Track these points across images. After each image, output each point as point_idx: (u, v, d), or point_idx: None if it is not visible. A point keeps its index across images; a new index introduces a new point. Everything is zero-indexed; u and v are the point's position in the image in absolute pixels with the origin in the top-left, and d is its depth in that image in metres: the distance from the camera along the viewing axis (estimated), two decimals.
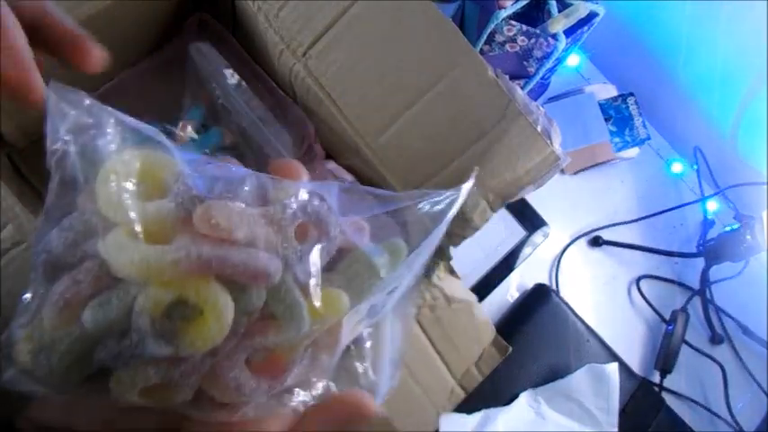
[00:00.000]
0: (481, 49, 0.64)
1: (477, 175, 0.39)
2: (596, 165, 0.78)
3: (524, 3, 0.61)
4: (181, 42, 0.59)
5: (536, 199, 0.73)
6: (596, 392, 0.65)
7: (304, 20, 0.49)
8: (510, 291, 0.72)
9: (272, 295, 0.19)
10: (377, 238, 0.28)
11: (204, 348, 0.18)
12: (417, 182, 0.49)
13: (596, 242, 0.76)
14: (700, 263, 0.77)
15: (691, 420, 0.70)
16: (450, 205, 0.24)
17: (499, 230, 0.72)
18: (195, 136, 0.57)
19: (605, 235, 0.76)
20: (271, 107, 0.60)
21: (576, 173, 0.78)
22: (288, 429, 0.21)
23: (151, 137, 0.19)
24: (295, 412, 0.21)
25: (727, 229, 0.75)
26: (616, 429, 0.63)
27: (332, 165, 0.62)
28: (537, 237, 0.72)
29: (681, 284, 0.77)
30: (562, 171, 0.78)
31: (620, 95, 0.80)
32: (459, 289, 0.52)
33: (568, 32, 0.63)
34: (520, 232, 0.72)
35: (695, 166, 0.82)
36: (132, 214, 0.18)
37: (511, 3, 0.60)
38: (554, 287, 0.73)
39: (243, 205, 0.19)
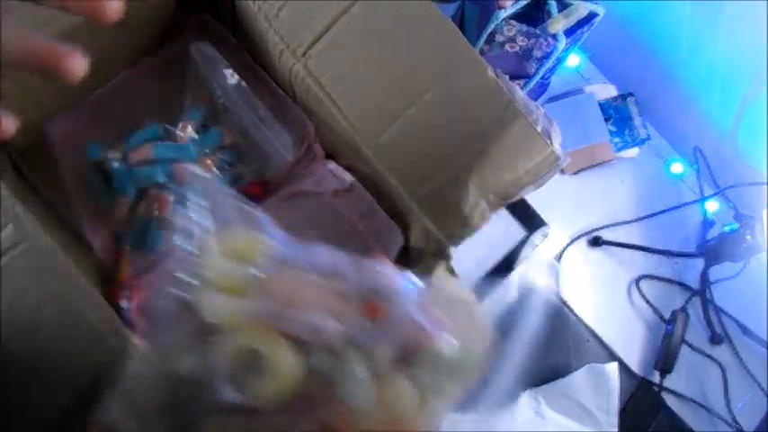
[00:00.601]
0: (481, 49, 0.64)
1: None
2: (596, 165, 0.78)
3: (524, 3, 0.61)
4: (181, 42, 0.59)
5: (536, 199, 0.73)
6: (596, 392, 0.65)
7: (304, 20, 0.49)
8: (510, 291, 0.72)
9: (336, 367, 0.22)
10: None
11: (269, 398, 0.21)
12: (417, 181, 0.49)
13: (596, 242, 0.76)
14: (700, 263, 0.77)
15: (691, 420, 0.70)
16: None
17: (499, 230, 0.72)
18: (195, 136, 0.57)
19: (605, 235, 0.76)
20: (271, 107, 0.60)
21: (575, 173, 0.78)
22: None
23: (255, 218, 0.24)
24: None
25: (727, 229, 0.75)
26: (616, 429, 0.63)
27: (332, 165, 0.62)
28: (537, 237, 0.72)
29: (681, 284, 0.77)
30: (562, 171, 0.78)
31: (620, 95, 0.80)
32: (459, 289, 0.52)
33: (568, 32, 0.63)
34: (520, 232, 0.72)
35: (695, 166, 0.82)
36: (225, 275, 0.22)
37: (511, 3, 0.60)
38: (554, 287, 0.73)
39: (315, 277, 0.23)
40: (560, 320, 0.69)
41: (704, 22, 0.72)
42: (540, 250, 0.73)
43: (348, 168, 0.62)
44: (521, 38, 0.63)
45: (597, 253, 0.77)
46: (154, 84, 0.59)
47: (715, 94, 0.77)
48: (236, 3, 0.52)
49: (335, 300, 0.23)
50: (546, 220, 0.73)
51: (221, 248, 0.23)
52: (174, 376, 0.22)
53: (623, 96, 0.80)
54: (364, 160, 0.51)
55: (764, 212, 0.70)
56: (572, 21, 0.62)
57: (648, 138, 0.79)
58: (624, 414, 0.66)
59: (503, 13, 0.60)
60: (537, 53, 0.64)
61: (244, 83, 0.59)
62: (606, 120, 0.79)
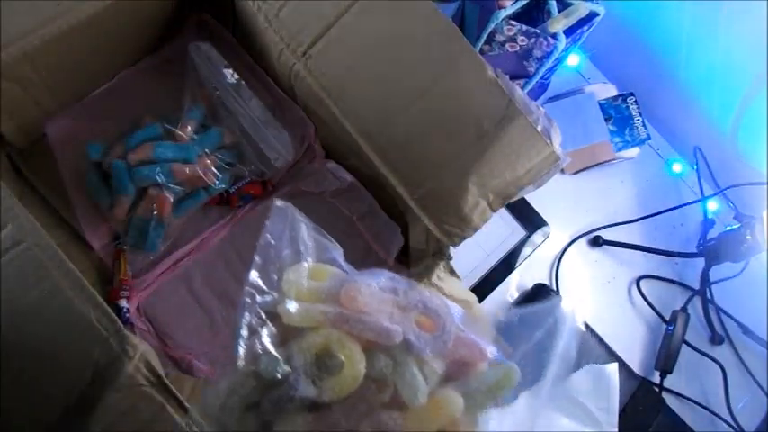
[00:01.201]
0: (481, 49, 0.64)
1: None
2: (596, 165, 0.78)
3: (524, 3, 0.61)
4: (181, 42, 0.59)
5: (536, 199, 0.73)
6: (596, 392, 0.64)
7: (304, 20, 0.49)
8: (510, 291, 0.72)
9: (395, 371, 0.26)
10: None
11: (341, 394, 0.25)
12: (417, 181, 0.49)
13: (596, 242, 0.76)
14: (700, 263, 0.77)
15: (691, 420, 0.70)
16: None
17: (499, 230, 0.72)
18: (195, 136, 0.57)
19: (605, 235, 0.76)
20: (271, 107, 0.60)
21: (576, 173, 0.78)
22: None
23: (330, 250, 0.28)
24: None
25: (728, 229, 0.75)
26: (616, 429, 0.63)
27: (332, 164, 0.62)
28: (537, 237, 0.72)
29: (681, 284, 0.77)
30: (562, 171, 0.78)
31: (620, 95, 0.80)
32: (459, 289, 0.52)
33: (568, 32, 0.63)
34: (520, 232, 0.72)
35: (695, 166, 0.82)
36: (304, 286, 0.26)
37: (511, 3, 0.60)
38: (554, 287, 0.73)
39: (377, 288, 0.27)
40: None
41: (704, 22, 0.72)
42: (540, 250, 0.73)
43: (348, 168, 0.62)
44: (521, 38, 0.63)
45: (597, 253, 0.77)
46: (153, 83, 0.59)
47: (715, 94, 0.77)
48: (236, 3, 0.52)
49: (395, 309, 0.27)
50: (546, 220, 0.73)
51: (302, 270, 0.27)
52: (260, 376, 0.26)
53: (623, 96, 0.80)
54: (364, 160, 0.51)
55: (764, 212, 0.70)
56: (572, 20, 0.62)
57: (648, 138, 0.79)
58: (624, 414, 0.66)
59: (503, 13, 0.60)
60: (537, 53, 0.64)
61: (244, 83, 0.59)
62: (606, 120, 0.79)
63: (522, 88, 0.68)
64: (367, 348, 0.25)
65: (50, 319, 0.40)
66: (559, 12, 0.62)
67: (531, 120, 0.48)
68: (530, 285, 0.72)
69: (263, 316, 0.26)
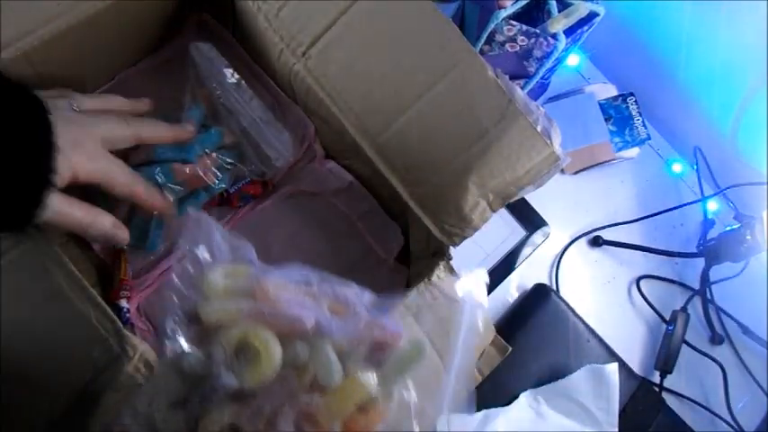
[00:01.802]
0: (481, 49, 0.64)
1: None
2: (596, 165, 0.78)
3: (524, 3, 0.61)
4: (181, 42, 0.59)
5: (536, 199, 0.73)
6: (596, 392, 0.65)
7: (304, 20, 0.49)
8: (510, 291, 0.72)
9: (312, 356, 0.28)
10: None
11: (260, 381, 0.27)
12: (417, 181, 0.49)
13: (596, 242, 0.76)
14: (700, 263, 0.77)
15: (691, 420, 0.70)
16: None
17: (499, 230, 0.72)
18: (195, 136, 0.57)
19: (605, 235, 0.76)
20: (271, 107, 0.60)
21: (576, 173, 0.78)
22: None
23: (244, 251, 0.31)
24: None
25: (728, 229, 0.75)
26: (616, 429, 0.63)
27: (331, 164, 0.62)
28: (537, 237, 0.72)
29: (681, 284, 0.77)
30: (562, 171, 0.78)
31: (620, 95, 0.80)
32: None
33: (568, 32, 0.63)
34: (520, 232, 0.72)
35: (695, 166, 0.82)
36: (220, 286, 0.29)
37: (511, 3, 0.60)
38: (554, 287, 0.73)
39: (289, 282, 0.29)
40: (560, 320, 0.69)
41: (704, 22, 0.72)
42: (540, 250, 0.73)
43: (348, 168, 0.62)
44: (521, 38, 0.63)
45: (597, 253, 0.77)
46: (153, 84, 0.59)
47: (715, 94, 0.77)
48: (236, 3, 0.52)
49: (308, 299, 0.29)
50: (546, 220, 0.73)
51: (218, 272, 0.29)
52: (183, 372, 0.27)
53: (623, 96, 0.80)
54: (364, 160, 0.51)
55: (764, 212, 0.70)
56: (572, 21, 0.62)
57: (648, 138, 0.79)
58: (624, 414, 0.66)
59: (503, 13, 0.60)
60: (537, 53, 0.64)
61: (244, 82, 0.59)
62: (606, 120, 0.79)
63: (522, 88, 0.68)
64: (284, 337, 0.27)
65: (50, 319, 0.40)
66: (559, 12, 0.62)
67: (531, 120, 0.48)
68: (530, 285, 0.72)
69: (184, 318, 0.29)
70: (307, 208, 0.63)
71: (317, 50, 0.49)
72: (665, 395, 0.71)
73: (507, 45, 0.64)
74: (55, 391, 0.39)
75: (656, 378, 0.72)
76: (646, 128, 0.79)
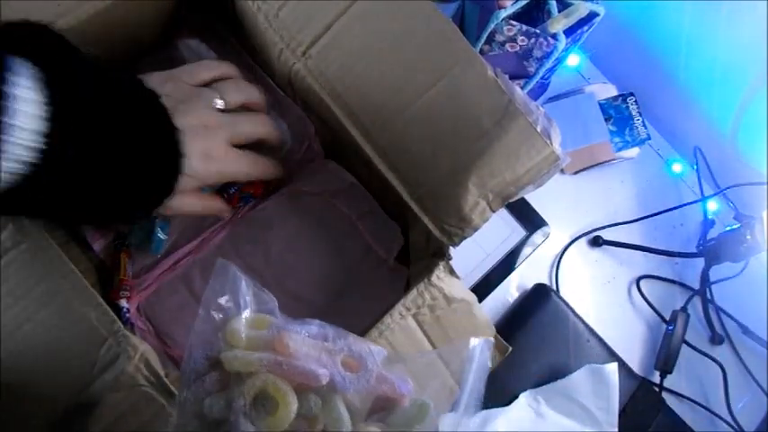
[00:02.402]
0: (481, 49, 0.64)
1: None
2: (596, 165, 0.78)
3: (524, 3, 0.61)
4: (180, 42, 0.59)
5: (536, 199, 0.73)
6: (596, 392, 0.65)
7: (304, 20, 0.49)
8: (510, 291, 0.72)
9: (323, 409, 0.29)
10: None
11: (275, 430, 0.28)
12: (417, 181, 0.49)
13: (596, 242, 0.76)
14: (700, 263, 0.77)
15: (691, 420, 0.70)
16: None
17: (499, 230, 0.72)
18: None
19: (605, 235, 0.76)
20: (270, 107, 0.60)
21: (576, 173, 0.78)
22: None
23: (267, 302, 0.32)
24: None
25: (728, 229, 0.75)
26: (616, 429, 0.63)
27: (331, 164, 0.62)
28: (537, 237, 0.72)
29: (681, 284, 0.77)
30: (562, 171, 0.78)
31: (620, 95, 0.80)
32: (459, 289, 0.52)
33: (568, 32, 0.63)
34: (520, 232, 0.72)
35: (695, 166, 0.82)
36: (243, 335, 0.30)
37: (511, 3, 0.60)
38: (554, 287, 0.73)
39: (306, 336, 0.31)
40: (560, 320, 0.69)
41: (704, 22, 0.72)
42: (540, 250, 0.73)
43: (348, 168, 0.62)
44: (521, 38, 0.63)
45: (597, 253, 0.77)
46: None
47: (715, 94, 0.77)
48: (236, 3, 0.52)
49: (323, 354, 0.30)
50: (546, 220, 0.73)
51: (241, 321, 0.31)
52: (203, 416, 0.29)
53: (623, 96, 0.80)
54: (364, 160, 0.51)
55: (764, 212, 0.70)
56: (572, 21, 0.62)
57: (648, 138, 0.79)
58: (624, 414, 0.66)
59: (503, 13, 0.60)
60: (537, 53, 0.64)
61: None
62: (606, 120, 0.79)
63: (522, 88, 0.68)
64: (299, 389, 0.29)
65: (50, 320, 0.40)
66: (559, 12, 0.62)
67: (531, 119, 0.48)
68: (530, 285, 0.72)
69: (207, 363, 0.30)
70: (307, 208, 0.63)
71: (316, 50, 0.49)
72: (665, 395, 0.71)
73: (507, 45, 0.64)
74: (55, 391, 0.39)
75: (656, 378, 0.72)
76: (646, 128, 0.79)
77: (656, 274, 0.77)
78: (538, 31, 0.62)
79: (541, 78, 0.69)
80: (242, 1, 0.50)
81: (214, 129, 0.46)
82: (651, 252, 0.77)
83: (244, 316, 0.31)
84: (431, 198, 0.49)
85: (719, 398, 0.73)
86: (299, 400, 0.29)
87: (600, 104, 0.79)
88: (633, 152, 0.79)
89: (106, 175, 0.37)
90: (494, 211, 0.49)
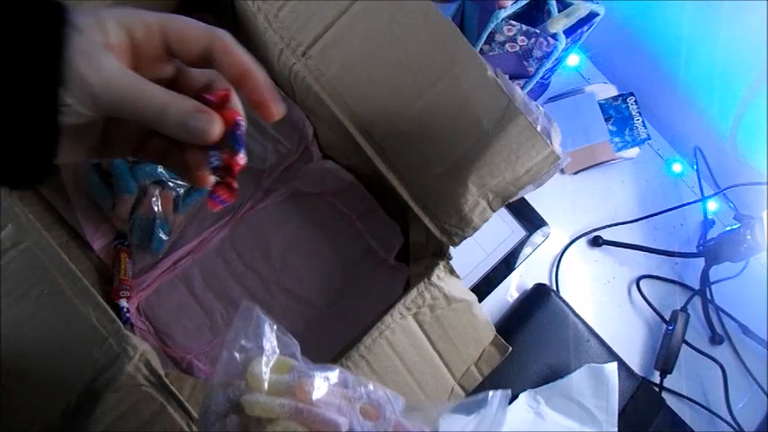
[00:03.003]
0: (481, 49, 0.64)
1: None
2: (596, 165, 0.78)
3: (524, 3, 0.61)
4: None
5: (536, 199, 0.73)
6: (596, 392, 0.65)
7: (304, 20, 0.49)
8: (510, 291, 0.72)
9: None
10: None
11: None
12: (417, 181, 0.49)
13: (596, 242, 0.76)
14: (700, 263, 0.77)
15: (691, 420, 0.70)
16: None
17: (499, 230, 0.72)
18: None
19: (605, 235, 0.76)
20: None
21: (576, 173, 0.78)
22: None
23: (290, 346, 0.33)
24: None
25: (728, 229, 0.75)
26: (616, 429, 0.63)
27: (330, 164, 0.63)
28: (537, 237, 0.72)
29: (681, 284, 0.77)
30: (562, 171, 0.78)
31: (620, 95, 0.80)
32: (460, 289, 0.52)
33: (568, 32, 0.63)
34: (520, 232, 0.72)
35: (695, 166, 0.82)
36: (264, 378, 0.30)
37: (511, 3, 0.60)
38: (554, 287, 0.73)
39: (327, 383, 0.31)
40: (560, 320, 0.69)
41: (704, 22, 0.72)
42: (540, 250, 0.73)
43: (348, 168, 0.62)
44: (521, 38, 0.63)
45: (597, 253, 0.77)
46: None
47: (715, 94, 0.77)
48: (235, 3, 0.52)
49: (343, 401, 0.31)
50: (546, 220, 0.73)
51: (264, 365, 0.31)
52: None
53: (623, 96, 0.80)
54: (364, 160, 0.51)
55: (764, 212, 0.70)
56: (572, 21, 0.62)
57: (648, 138, 0.79)
58: (624, 414, 0.66)
59: (503, 13, 0.60)
60: (537, 53, 0.64)
61: None
62: (606, 120, 0.79)
63: (522, 88, 0.68)
64: None
65: (50, 320, 0.40)
66: (559, 12, 0.62)
67: (531, 119, 0.48)
68: (530, 285, 0.72)
69: (227, 405, 0.31)
70: (306, 208, 0.63)
71: (316, 50, 0.49)
72: (665, 395, 0.71)
73: (507, 45, 0.64)
74: (55, 390, 0.39)
75: (656, 378, 0.72)
76: (646, 128, 0.79)
77: (656, 274, 0.77)
78: (538, 31, 0.62)
79: (541, 78, 0.69)
80: (242, 1, 0.50)
81: None
82: (651, 252, 0.77)
83: (265, 359, 0.32)
84: (431, 198, 0.49)
85: (719, 398, 0.73)
86: None
87: (600, 104, 0.79)
88: (633, 152, 0.79)
89: None
90: (494, 211, 0.49)
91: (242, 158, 0.33)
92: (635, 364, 0.72)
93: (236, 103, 0.33)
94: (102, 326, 0.40)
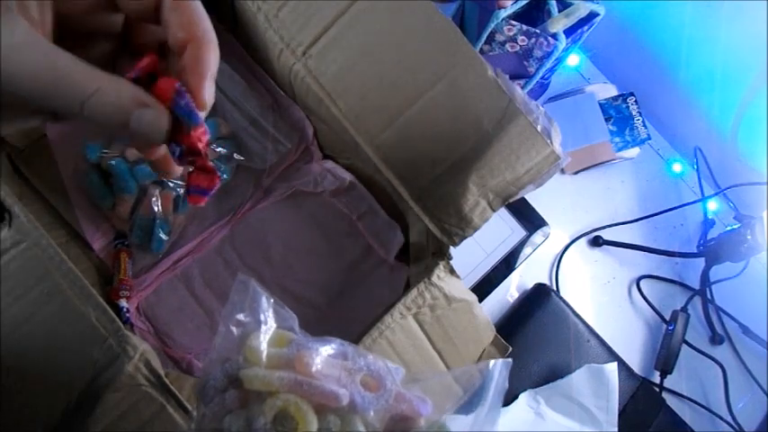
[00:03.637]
0: (481, 49, 0.64)
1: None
2: (596, 165, 0.78)
3: (524, 2, 0.61)
4: None
5: (536, 199, 0.73)
6: (596, 392, 0.65)
7: (304, 20, 0.49)
8: (510, 291, 0.72)
9: (343, 429, 0.30)
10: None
11: None
12: (417, 181, 0.49)
13: (596, 242, 0.76)
14: (700, 263, 0.77)
15: (691, 420, 0.70)
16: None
17: (499, 230, 0.72)
18: None
19: (605, 235, 0.76)
20: (270, 107, 0.60)
21: (576, 173, 0.78)
22: None
23: (287, 319, 0.32)
24: None
25: (728, 229, 0.75)
26: (616, 429, 0.63)
27: (329, 164, 0.62)
28: (537, 237, 0.72)
29: (681, 284, 0.77)
30: (562, 171, 0.78)
31: (620, 95, 0.80)
32: (460, 289, 0.52)
33: (568, 32, 0.63)
34: (520, 232, 0.72)
35: (695, 166, 0.82)
36: (262, 352, 0.30)
37: (511, 2, 0.60)
38: (554, 287, 0.73)
39: (326, 356, 0.30)
40: (560, 320, 0.69)
41: (704, 22, 0.72)
42: (540, 250, 0.73)
43: (348, 168, 0.62)
44: (521, 38, 0.63)
45: (597, 253, 0.77)
46: None
47: (715, 94, 0.77)
48: (235, 3, 0.52)
49: (343, 372, 0.30)
50: (546, 220, 0.73)
51: (262, 339, 0.31)
52: None
53: (623, 96, 0.80)
54: (364, 160, 0.51)
55: (764, 212, 0.70)
56: (572, 21, 0.62)
57: (648, 138, 0.79)
58: (624, 414, 0.66)
59: (503, 13, 0.60)
60: (537, 53, 0.64)
61: (237, 75, 0.59)
62: (606, 120, 0.79)
63: (522, 88, 0.68)
64: (318, 409, 0.29)
65: (50, 319, 0.40)
66: (559, 12, 0.62)
67: (531, 119, 0.48)
68: (530, 285, 0.72)
69: (226, 380, 0.30)
70: (306, 208, 0.63)
71: (316, 50, 0.49)
72: (665, 395, 0.71)
73: (507, 45, 0.64)
74: (55, 391, 0.39)
75: (656, 378, 0.72)
76: (646, 128, 0.79)
77: (656, 274, 0.77)
78: (538, 31, 0.62)
79: (541, 78, 0.69)
80: (242, 1, 0.50)
81: None
82: (651, 252, 0.77)
83: (263, 332, 0.31)
84: (431, 198, 0.49)
85: (719, 398, 0.73)
86: (318, 419, 0.29)
87: (600, 104, 0.79)
88: (633, 152, 0.79)
89: None
90: (494, 211, 0.49)
91: (203, 132, 0.26)
92: (635, 364, 0.72)
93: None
94: (102, 326, 0.40)
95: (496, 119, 0.48)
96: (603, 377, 0.65)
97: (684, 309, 0.74)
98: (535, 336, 0.68)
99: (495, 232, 0.71)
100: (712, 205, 0.80)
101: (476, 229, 0.49)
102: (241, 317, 0.31)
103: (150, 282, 0.59)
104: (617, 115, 0.79)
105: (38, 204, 0.56)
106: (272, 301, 0.32)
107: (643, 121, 0.79)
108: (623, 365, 0.69)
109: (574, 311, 0.70)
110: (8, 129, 0.29)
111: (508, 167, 0.48)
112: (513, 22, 0.61)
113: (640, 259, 0.77)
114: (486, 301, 0.69)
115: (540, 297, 0.70)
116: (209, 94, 0.25)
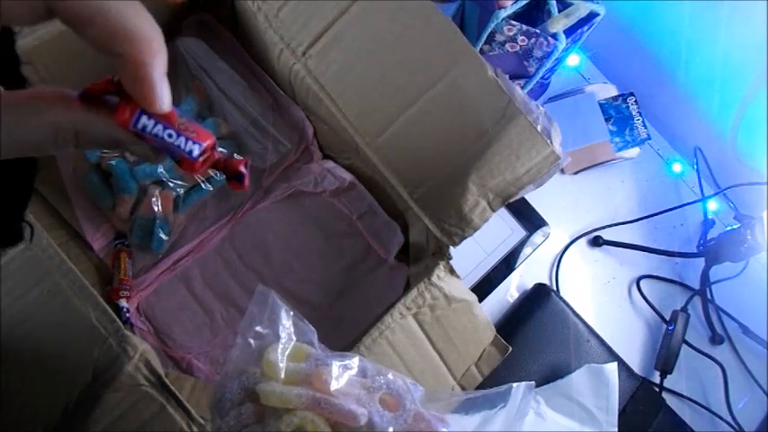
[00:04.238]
0: (481, 49, 0.64)
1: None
2: (596, 165, 0.78)
3: (524, 3, 0.61)
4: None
5: (536, 199, 0.73)
6: (595, 392, 0.64)
7: (304, 20, 0.49)
8: (510, 291, 0.72)
9: None
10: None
11: None
12: (417, 181, 0.49)
13: (596, 242, 0.76)
14: (700, 263, 0.77)
15: (691, 420, 0.70)
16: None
17: (499, 230, 0.72)
18: None
19: (605, 235, 0.76)
20: (270, 107, 0.60)
21: (576, 173, 0.78)
22: None
23: (306, 333, 0.31)
24: None
25: (728, 229, 0.75)
26: (616, 429, 0.63)
27: (329, 164, 0.63)
28: (537, 237, 0.72)
29: (681, 284, 0.77)
30: (562, 171, 0.78)
31: (620, 95, 0.80)
32: (460, 289, 0.52)
33: (568, 32, 0.63)
34: (520, 232, 0.72)
35: (695, 166, 0.82)
36: (280, 366, 0.29)
37: (511, 2, 0.60)
38: (554, 287, 0.73)
39: (346, 373, 0.30)
40: (560, 320, 0.69)
41: (704, 22, 0.72)
42: (540, 250, 0.73)
43: (348, 168, 0.62)
44: (521, 38, 0.63)
45: (597, 253, 0.77)
46: None
47: (715, 94, 0.77)
48: (236, 3, 0.52)
49: (362, 391, 0.30)
50: (546, 220, 0.73)
51: (280, 352, 0.30)
52: None
53: (623, 96, 0.80)
54: (364, 160, 0.51)
55: (764, 212, 0.70)
56: (572, 21, 0.62)
57: (648, 138, 0.79)
58: (624, 414, 0.66)
59: (503, 13, 0.60)
60: (537, 53, 0.64)
61: (237, 75, 0.59)
62: (606, 120, 0.79)
63: (522, 88, 0.68)
64: (336, 427, 0.29)
65: (50, 319, 0.40)
66: (559, 12, 0.62)
67: (531, 119, 0.48)
68: (530, 285, 0.72)
69: (242, 393, 0.30)
70: (306, 208, 0.63)
71: (316, 50, 0.49)
72: (665, 395, 0.71)
73: (507, 45, 0.64)
74: (55, 391, 0.39)
75: (656, 378, 0.72)
76: (646, 128, 0.79)
77: (656, 274, 0.77)
78: (538, 31, 0.62)
79: (541, 78, 0.69)
80: (242, 1, 0.50)
81: None
82: (651, 252, 0.77)
83: (282, 346, 0.30)
84: (431, 198, 0.49)
85: (719, 398, 0.73)
86: None
87: (600, 104, 0.79)
88: (633, 152, 0.79)
89: None
90: (494, 211, 0.49)
91: (209, 145, 0.25)
92: (635, 364, 0.72)
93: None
94: (102, 326, 0.40)
95: (496, 119, 0.48)
96: (603, 377, 0.65)
97: (684, 309, 0.74)
98: (535, 336, 0.68)
99: (495, 232, 0.71)
100: (712, 205, 0.80)
101: (476, 229, 0.49)
102: (259, 329, 0.31)
103: (150, 282, 0.59)
104: (617, 115, 0.79)
105: (38, 204, 0.56)
106: (291, 313, 0.31)
107: (643, 121, 0.79)
108: (623, 365, 0.69)
109: (574, 311, 0.70)
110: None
111: (508, 167, 0.48)
112: (513, 22, 0.61)
113: (640, 259, 0.77)
114: (486, 301, 0.69)
115: (539, 297, 0.70)
116: (160, 95, 0.23)
